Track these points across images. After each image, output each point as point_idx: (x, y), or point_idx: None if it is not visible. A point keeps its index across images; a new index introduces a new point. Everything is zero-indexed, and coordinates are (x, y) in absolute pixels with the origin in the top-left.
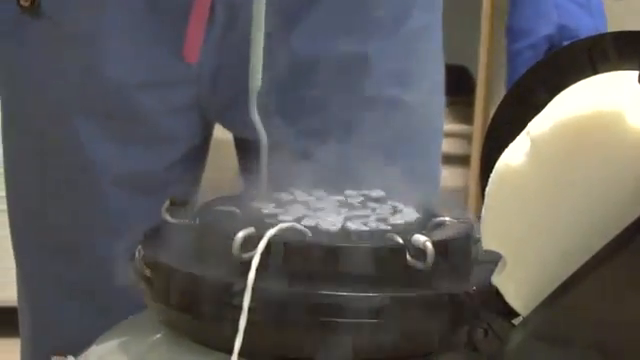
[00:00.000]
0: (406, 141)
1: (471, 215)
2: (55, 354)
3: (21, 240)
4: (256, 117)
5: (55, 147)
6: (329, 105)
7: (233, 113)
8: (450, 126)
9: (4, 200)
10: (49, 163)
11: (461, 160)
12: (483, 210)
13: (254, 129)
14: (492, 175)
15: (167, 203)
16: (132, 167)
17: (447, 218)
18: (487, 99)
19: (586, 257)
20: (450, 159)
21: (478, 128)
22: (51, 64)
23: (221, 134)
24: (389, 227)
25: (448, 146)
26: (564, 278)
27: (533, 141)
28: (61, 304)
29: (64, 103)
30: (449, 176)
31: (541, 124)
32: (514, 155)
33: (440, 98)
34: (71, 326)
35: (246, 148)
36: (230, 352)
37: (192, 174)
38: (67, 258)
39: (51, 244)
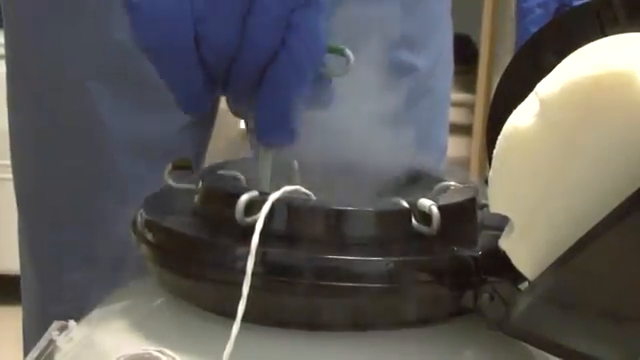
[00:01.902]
0: (413, 106)
1: (476, 180)
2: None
3: (28, 208)
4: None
5: (65, 113)
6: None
7: (237, 86)
8: (452, 95)
9: (9, 169)
10: (59, 129)
11: (463, 129)
12: (491, 173)
13: None
14: (500, 138)
15: (169, 167)
16: (143, 132)
17: (452, 183)
18: (490, 68)
19: (596, 220)
20: (452, 128)
21: (481, 97)
22: (62, 28)
23: (224, 104)
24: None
25: (451, 115)
26: (573, 241)
27: (542, 102)
28: (68, 272)
29: (75, 68)
30: (451, 145)
31: (550, 85)
32: (522, 117)
33: (448, 63)
34: (78, 294)
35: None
36: (233, 317)
37: (200, 139)
38: (76, 225)
39: (60, 211)
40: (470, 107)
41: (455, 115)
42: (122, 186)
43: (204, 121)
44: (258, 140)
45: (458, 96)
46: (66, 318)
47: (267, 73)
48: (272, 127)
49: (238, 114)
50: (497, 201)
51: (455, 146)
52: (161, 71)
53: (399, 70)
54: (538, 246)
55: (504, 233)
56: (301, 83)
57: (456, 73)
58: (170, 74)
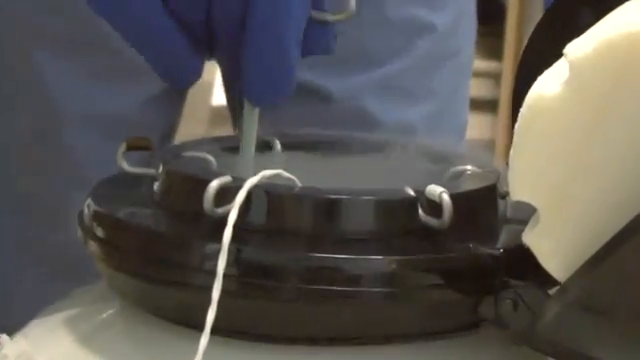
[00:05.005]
0: (431, 73)
1: (499, 164)
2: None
3: None
4: None
5: (12, 86)
6: (343, 28)
7: (222, 42)
8: (474, 62)
9: None
10: (6, 105)
11: (487, 105)
12: (511, 151)
13: None
14: (522, 109)
15: (123, 147)
16: (102, 106)
17: (469, 167)
18: (519, 29)
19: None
20: (474, 103)
21: (509, 66)
22: None
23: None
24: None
25: (472, 88)
26: (612, 234)
27: (572, 65)
28: (21, 270)
29: (21, 34)
30: (473, 124)
31: (582, 45)
32: (549, 83)
33: (471, 22)
34: (33, 296)
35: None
36: (200, 329)
37: (168, 115)
38: (29, 215)
39: (9, 199)
40: (495, 77)
41: (477, 87)
42: (75, 170)
43: (173, 94)
44: (246, 96)
45: (481, 64)
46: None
47: (247, 15)
48: (260, 76)
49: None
50: (519, 185)
51: (477, 125)
52: (129, 37)
53: (414, 29)
54: (569, 240)
55: (528, 225)
56: (286, 22)
57: (479, 35)
58: (141, 39)
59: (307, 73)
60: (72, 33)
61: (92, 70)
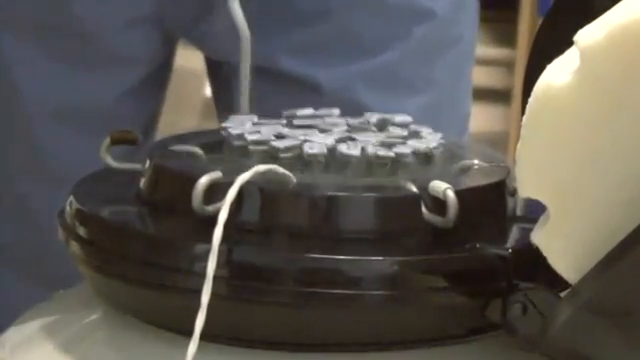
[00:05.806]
0: (429, 60)
1: (509, 160)
2: None
3: None
4: (236, 7)
5: None
6: (333, 14)
7: (204, 26)
8: (486, 50)
9: None
10: None
11: (500, 95)
12: (519, 145)
13: (230, 45)
14: (530, 100)
15: (107, 141)
16: (74, 97)
17: (476, 161)
18: (534, 15)
19: None
20: (486, 94)
21: (522, 53)
22: None
23: (185, 62)
24: (393, 154)
25: (483, 77)
26: (626, 231)
27: (583, 53)
28: None
29: None
30: (485, 115)
31: (594, 31)
32: (558, 73)
33: (473, 7)
34: (10, 301)
35: (220, 72)
36: (188, 334)
37: (149, 107)
38: (3, 217)
39: None
40: (509, 66)
41: (489, 76)
42: (46, 166)
43: (156, 78)
44: None
45: (492, 52)
46: None
47: None
48: None
49: None
50: (527, 181)
51: (489, 116)
52: None
53: (412, 15)
54: (580, 239)
55: (538, 224)
56: None
57: (491, 21)
58: None
59: (292, 61)
60: (40, 16)
61: (64, 56)
